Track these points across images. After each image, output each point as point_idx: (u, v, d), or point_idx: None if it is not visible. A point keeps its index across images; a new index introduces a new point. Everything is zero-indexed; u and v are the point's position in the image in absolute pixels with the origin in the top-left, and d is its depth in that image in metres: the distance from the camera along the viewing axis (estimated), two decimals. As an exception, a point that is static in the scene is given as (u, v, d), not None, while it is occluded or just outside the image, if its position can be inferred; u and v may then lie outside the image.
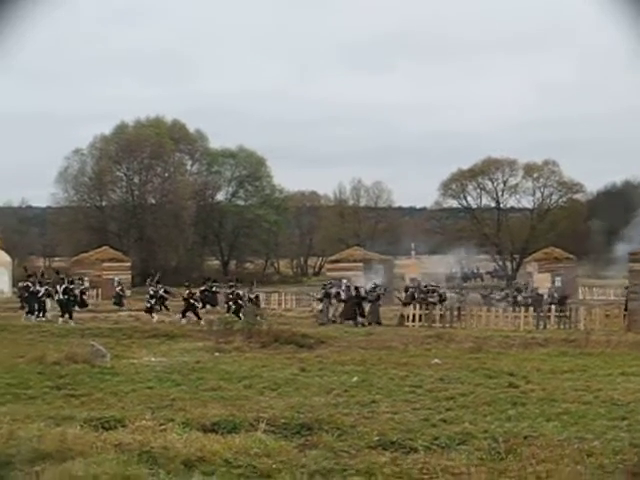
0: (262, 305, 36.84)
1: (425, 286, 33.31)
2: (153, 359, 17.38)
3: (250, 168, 78.40)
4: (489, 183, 74.50)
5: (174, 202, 69.10)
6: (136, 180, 72.18)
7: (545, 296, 35.13)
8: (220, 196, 78.97)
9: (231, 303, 32.60)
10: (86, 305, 33.78)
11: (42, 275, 31.19)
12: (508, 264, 72.96)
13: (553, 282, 46.95)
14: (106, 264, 50.62)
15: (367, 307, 30.00)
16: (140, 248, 67.26)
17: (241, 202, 79.38)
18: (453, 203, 76.04)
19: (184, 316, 29.91)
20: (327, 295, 30.94)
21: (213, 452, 7.78)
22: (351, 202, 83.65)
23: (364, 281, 33.52)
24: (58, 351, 16.85)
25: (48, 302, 29.53)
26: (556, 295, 34.69)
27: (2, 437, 8.11)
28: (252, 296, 33.24)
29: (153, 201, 71.97)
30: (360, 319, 29.56)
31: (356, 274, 38.51)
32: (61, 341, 20.86)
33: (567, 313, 29.23)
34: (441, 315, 29.58)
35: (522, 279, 55.45)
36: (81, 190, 71.42)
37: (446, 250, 59.13)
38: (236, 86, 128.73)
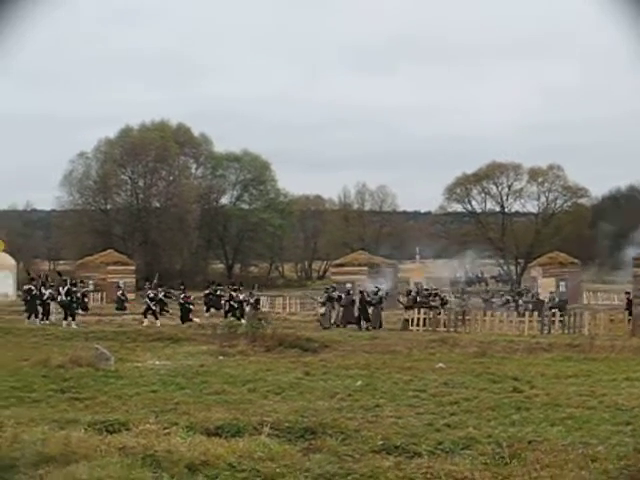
0: (267, 309, 36.90)
1: (426, 289, 33.31)
2: (157, 362, 17.38)
3: (254, 172, 78.49)
4: (494, 187, 74.53)
5: (179, 205, 69.21)
6: (141, 183, 72.30)
7: (546, 301, 35.14)
8: (224, 200, 79.19)
9: (227, 307, 32.68)
10: (87, 309, 33.84)
11: (46, 278, 31.24)
12: (513, 268, 72.91)
13: (557, 287, 46.89)
14: (111, 267, 50.75)
15: (370, 311, 30.02)
16: (145, 251, 67.36)
17: (245, 206, 79.46)
18: (458, 207, 76.13)
19: (183, 321, 30.04)
20: (330, 299, 30.93)
21: (217, 456, 7.77)
22: (356, 206, 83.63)
23: (370, 285, 33.53)
24: (62, 354, 16.83)
25: (52, 305, 29.60)
26: (556, 300, 34.70)
27: (6, 440, 8.11)
28: (252, 300, 33.31)
29: (158, 204, 72.05)
30: (364, 323, 29.58)
31: (360, 278, 38.55)
32: (65, 344, 20.84)
33: (566, 318, 29.20)
34: (440, 319, 29.57)
35: (527, 284, 55.44)
36: (86, 193, 71.57)
37: (451, 254, 59.16)
38: (240, 90, 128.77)
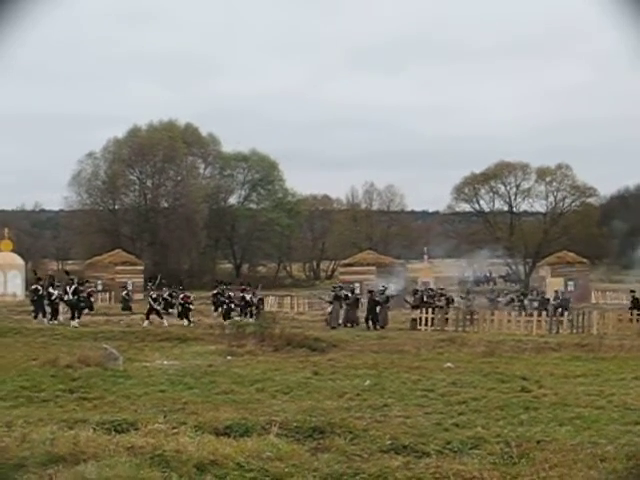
0: (275, 309, 36.87)
1: (431, 289, 33.29)
2: (165, 362, 17.39)
3: (262, 172, 78.58)
4: (502, 187, 74.24)
5: (187, 205, 69.29)
6: (149, 183, 72.44)
7: (551, 300, 35.09)
8: (232, 199, 79.34)
9: (225, 306, 32.67)
10: (92, 308, 33.86)
11: (53, 278, 31.28)
12: (521, 268, 72.74)
13: (566, 286, 46.84)
14: (119, 267, 50.90)
15: (377, 310, 30.00)
16: (153, 251, 67.50)
17: (253, 206, 79.57)
18: (466, 207, 75.83)
19: (185, 319, 30.02)
20: (337, 298, 30.85)
21: (225, 456, 7.76)
22: (363, 206, 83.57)
23: (378, 284, 33.53)
24: (71, 354, 16.87)
25: (61, 305, 29.64)
26: (560, 298, 34.67)
27: (15, 440, 8.13)
28: (256, 300, 33.28)
29: (166, 204, 72.18)
30: (370, 323, 29.53)
31: (369, 278, 38.56)
32: (74, 344, 20.87)
33: (569, 317, 29.11)
34: (448, 318, 29.53)
35: (535, 283, 55.38)
36: (94, 193, 71.73)
37: (459, 254, 59.08)
38: (248, 90, 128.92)
